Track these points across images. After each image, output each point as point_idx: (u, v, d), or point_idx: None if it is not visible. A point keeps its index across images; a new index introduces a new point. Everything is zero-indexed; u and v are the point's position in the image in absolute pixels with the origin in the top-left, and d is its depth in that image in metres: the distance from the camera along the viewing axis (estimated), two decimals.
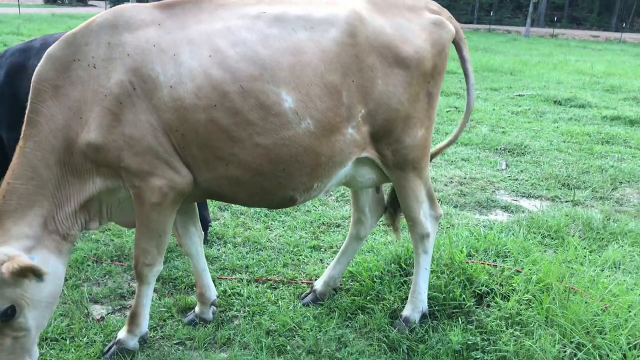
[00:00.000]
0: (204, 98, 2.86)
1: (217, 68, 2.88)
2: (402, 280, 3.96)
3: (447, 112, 9.74)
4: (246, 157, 2.97)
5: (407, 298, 3.70)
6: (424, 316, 3.63)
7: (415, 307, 3.63)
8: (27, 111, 2.95)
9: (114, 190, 3.06)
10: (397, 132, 3.22)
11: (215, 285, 4.04)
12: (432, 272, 3.82)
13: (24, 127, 2.94)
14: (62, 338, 3.41)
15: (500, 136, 8.11)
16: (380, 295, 3.87)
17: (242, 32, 2.96)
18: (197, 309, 3.67)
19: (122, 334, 3.32)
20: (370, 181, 3.49)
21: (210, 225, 4.84)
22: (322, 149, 3.04)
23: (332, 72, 2.99)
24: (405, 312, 3.63)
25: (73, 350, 3.28)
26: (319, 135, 3.01)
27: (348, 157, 3.18)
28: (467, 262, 3.96)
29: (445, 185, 6.21)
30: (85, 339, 3.41)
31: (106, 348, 3.31)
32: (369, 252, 4.55)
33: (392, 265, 4.11)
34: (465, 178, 6.40)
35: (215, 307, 3.72)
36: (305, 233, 4.95)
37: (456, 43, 3.46)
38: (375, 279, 4.00)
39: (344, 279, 4.11)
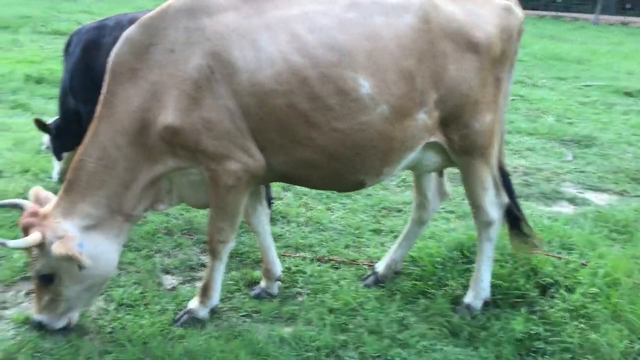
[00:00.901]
0: (284, 83, 2.93)
1: (296, 54, 2.94)
2: (464, 268, 3.96)
3: (511, 100, 9.54)
4: (323, 142, 3.04)
5: (469, 285, 3.71)
6: (486, 304, 3.63)
7: (477, 294, 3.63)
8: (103, 92, 3.09)
9: (186, 172, 3.18)
10: (466, 117, 3.24)
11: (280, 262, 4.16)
12: (496, 260, 3.82)
13: (98, 107, 3.09)
14: (137, 305, 3.59)
15: (566, 127, 7.91)
16: (441, 282, 3.90)
17: (319, 18, 3.01)
18: (263, 283, 3.79)
19: (193, 304, 3.47)
20: (435, 165, 3.53)
21: (273, 203, 4.96)
22: (395, 133, 3.09)
23: (408, 58, 3.03)
24: (467, 299, 3.64)
25: (147, 317, 3.46)
26: (393, 120, 3.06)
27: (418, 142, 3.24)
28: (532, 253, 3.93)
29: (509, 174, 6.12)
30: (157, 306, 3.59)
31: (177, 316, 3.47)
32: (430, 238, 4.56)
33: (455, 252, 4.11)
34: (530, 168, 6.29)
35: (280, 282, 3.83)
36: (367, 216, 5.01)
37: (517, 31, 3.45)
38: (437, 265, 4.02)
39: (405, 264, 4.15)
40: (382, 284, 3.93)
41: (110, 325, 3.38)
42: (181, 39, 2.97)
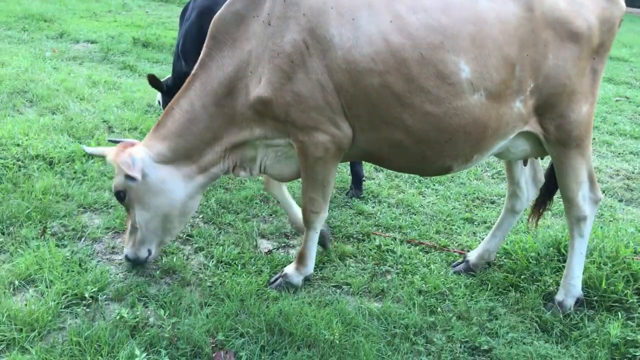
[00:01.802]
0: (381, 63, 2.94)
1: (397, 34, 2.94)
2: (559, 265, 3.89)
3: (616, 101, 9.12)
4: (414, 124, 3.04)
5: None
6: (578, 302, 3.54)
7: (568, 291, 3.54)
8: (202, 53, 3.24)
9: (272, 144, 3.29)
10: (561, 107, 3.18)
11: (370, 240, 4.23)
12: (593, 262, 3.72)
13: (196, 66, 3.25)
14: (235, 263, 3.76)
15: None
16: (534, 276, 3.83)
17: (423, 0, 3.01)
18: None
19: (289, 269, 3.60)
20: (523, 153, 3.47)
21: (364, 181, 5.02)
22: (490, 121, 3.08)
23: (510, 45, 3.00)
24: (559, 296, 3.57)
25: (244, 276, 3.61)
26: (489, 107, 3.04)
27: (512, 131, 3.22)
28: (633, 258, 3.80)
29: (611, 177, 5.90)
30: (254, 267, 3.74)
31: (273, 279, 3.61)
32: (525, 232, 4.50)
33: (550, 248, 4.04)
34: (633, 172, 6.02)
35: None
36: (459, 204, 4.97)
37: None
38: (530, 260, 3.96)
39: (497, 255, 4.11)
40: (472, 273, 3.91)
41: (210, 280, 3.56)
42: (278, 13, 3.03)
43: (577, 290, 3.55)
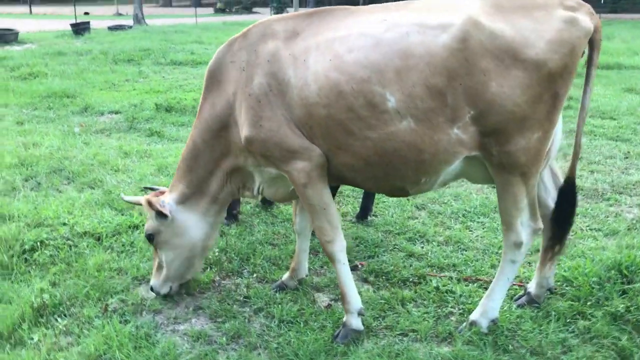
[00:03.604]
0: (324, 97, 3.28)
1: (334, 71, 3.26)
2: (624, 288, 3.81)
3: None
4: (358, 148, 3.33)
5: (631, 306, 3.57)
6: (493, 324, 3.58)
7: (484, 312, 3.59)
8: (200, 99, 3.81)
9: (266, 171, 3.67)
10: (509, 134, 3.18)
11: (426, 282, 4.20)
12: None
13: (198, 109, 3.83)
14: (297, 321, 3.74)
15: None
16: (600, 302, 3.76)
17: (360, 39, 3.28)
18: (285, 277, 4.21)
19: (346, 317, 3.61)
20: (488, 179, 3.50)
21: (373, 216, 5.26)
22: (424, 145, 3.23)
23: (437, 76, 3.12)
24: (474, 316, 3.64)
25: (309, 333, 3.58)
26: (421, 132, 3.21)
27: (453, 156, 3.29)
28: None
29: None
30: (316, 323, 3.71)
31: (336, 332, 3.58)
32: (579, 256, 4.43)
33: (612, 271, 3.96)
34: None
35: (303, 279, 4.22)
36: None
37: (591, 42, 3.23)
38: (593, 285, 3.89)
39: (557, 283, 4.05)
40: (536, 304, 3.85)
41: (276, 341, 3.54)
42: (251, 60, 3.50)
43: (494, 313, 3.59)
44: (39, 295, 3.87)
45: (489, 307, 3.59)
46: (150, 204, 3.82)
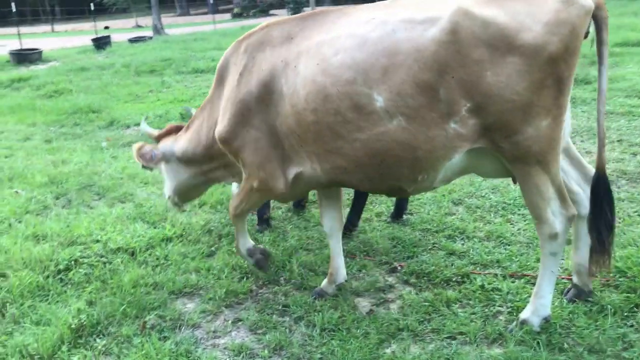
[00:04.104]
0: (312, 102, 3.29)
1: (321, 75, 3.27)
2: None
3: None
4: (349, 151, 3.32)
5: None
6: (546, 322, 3.40)
7: (535, 310, 3.42)
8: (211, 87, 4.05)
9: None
10: (515, 123, 3.03)
11: (470, 281, 4.03)
12: None
13: (208, 95, 4.10)
14: (339, 329, 3.62)
15: None
16: None
17: (347, 40, 3.26)
18: (323, 283, 4.11)
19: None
20: (499, 172, 3.38)
21: (408, 215, 5.18)
22: (418, 143, 3.16)
23: (427, 71, 3.04)
24: (524, 314, 3.45)
25: (352, 341, 3.46)
26: (414, 130, 3.14)
27: (453, 150, 3.18)
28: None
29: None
30: (359, 330, 3.59)
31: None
32: (630, 245, 4.22)
33: None
34: None
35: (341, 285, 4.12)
36: None
37: (595, 20, 3.07)
38: None
39: (614, 275, 3.85)
40: (587, 297, 3.66)
41: (319, 351, 3.43)
42: (248, 66, 3.61)
43: (545, 310, 3.42)
44: (77, 316, 3.82)
45: (538, 304, 3.42)
46: (139, 155, 4.32)
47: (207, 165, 4.27)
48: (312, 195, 5.75)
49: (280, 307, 3.95)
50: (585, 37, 3.08)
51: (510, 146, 3.11)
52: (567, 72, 3.00)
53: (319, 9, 3.68)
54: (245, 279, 4.32)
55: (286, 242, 4.88)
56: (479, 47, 2.97)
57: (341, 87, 3.20)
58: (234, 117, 3.63)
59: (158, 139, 4.52)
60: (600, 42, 3.15)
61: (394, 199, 5.26)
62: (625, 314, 3.50)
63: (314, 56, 3.32)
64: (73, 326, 3.71)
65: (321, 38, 3.36)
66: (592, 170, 3.49)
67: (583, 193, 3.56)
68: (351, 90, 3.19)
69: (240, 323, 3.82)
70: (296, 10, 38.98)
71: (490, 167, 3.36)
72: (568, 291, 3.78)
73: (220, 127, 3.74)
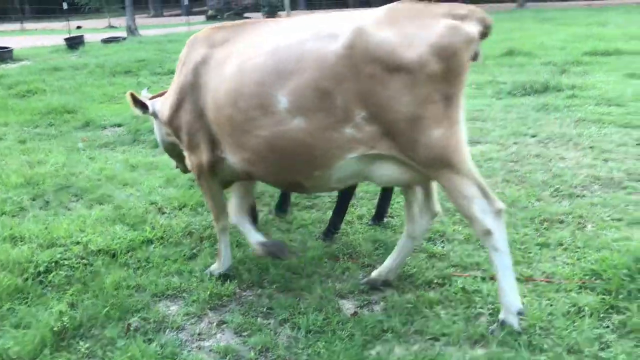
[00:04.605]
0: (228, 98, 3.69)
1: (238, 75, 3.65)
2: None
3: None
4: (254, 146, 3.69)
5: None
6: (520, 315, 3.52)
7: (507, 308, 3.52)
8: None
9: None
10: (408, 133, 3.35)
11: (451, 283, 4.11)
12: None
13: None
14: (324, 331, 3.65)
15: None
16: (632, 294, 3.69)
17: (265, 46, 3.63)
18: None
19: (213, 266, 4.41)
20: (395, 178, 3.63)
21: (389, 218, 5.23)
22: (315, 143, 3.49)
23: (326, 80, 3.37)
24: (501, 315, 3.55)
25: (338, 343, 3.50)
26: (312, 131, 3.47)
27: (347, 152, 3.50)
28: None
29: None
30: (344, 332, 3.63)
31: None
32: (603, 249, 4.35)
33: None
34: None
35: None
36: (529, 230, 4.84)
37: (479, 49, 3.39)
38: (623, 277, 3.81)
39: (587, 277, 3.97)
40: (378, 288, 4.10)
41: (306, 353, 3.46)
42: (192, 60, 3.99)
43: (515, 305, 3.51)
44: (59, 319, 3.78)
45: (506, 302, 3.52)
46: (134, 98, 4.51)
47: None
48: (295, 198, 5.79)
49: (264, 310, 3.97)
50: (473, 60, 3.39)
51: (413, 153, 3.40)
52: (452, 90, 3.33)
53: (255, 19, 4.14)
54: (228, 281, 4.32)
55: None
56: (372, 63, 3.29)
57: (251, 87, 3.57)
58: (175, 101, 4.10)
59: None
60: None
61: (375, 201, 5.33)
62: (602, 315, 3.61)
63: (237, 58, 3.71)
64: (55, 329, 3.68)
65: (246, 43, 3.76)
66: (436, 208, 3.93)
67: (418, 221, 4.00)
68: (259, 91, 3.54)
69: (224, 325, 3.83)
70: (271, 13, 38.96)
71: (386, 173, 3.61)
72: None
73: (165, 108, 4.25)
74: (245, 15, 44.95)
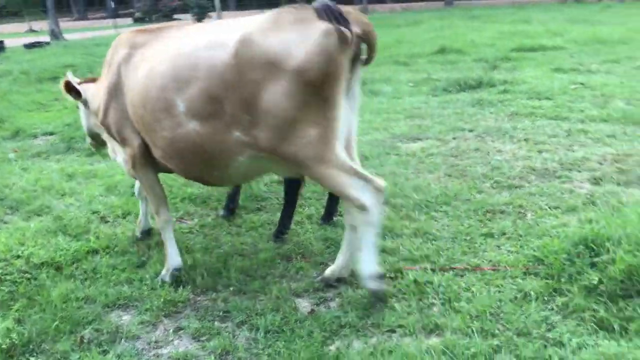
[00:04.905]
0: (139, 100, 3.96)
1: (147, 79, 3.91)
2: (593, 261, 3.95)
3: (573, 89, 9.47)
4: (161, 145, 4.01)
5: (605, 278, 3.70)
6: (380, 277, 3.87)
7: (368, 277, 3.83)
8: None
9: None
10: (288, 135, 3.55)
11: (403, 276, 4.21)
12: (629, 252, 3.78)
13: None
14: (283, 330, 3.67)
15: (639, 109, 7.82)
16: (573, 277, 3.89)
17: (171, 52, 3.87)
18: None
19: (164, 271, 4.40)
20: (295, 172, 4.02)
21: (339, 216, 5.27)
22: (209, 145, 3.78)
23: (216, 86, 3.60)
24: (366, 283, 3.88)
25: (297, 341, 3.53)
26: (205, 134, 3.75)
27: (238, 154, 3.77)
28: None
29: (600, 163, 6.09)
30: (303, 330, 3.66)
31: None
32: (544, 236, 4.57)
33: (579, 246, 4.09)
34: (618, 155, 6.24)
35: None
36: (473, 221, 5.02)
37: (367, 43, 3.65)
38: (564, 261, 4.02)
39: (530, 263, 4.16)
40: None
41: (266, 352, 3.47)
42: (115, 60, 4.23)
43: (373, 271, 3.81)
44: (6, 335, 3.63)
45: (364, 270, 3.84)
46: (67, 83, 4.64)
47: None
48: (243, 200, 5.77)
49: (221, 313, 3.94)
50: (367, 63, 3.71)
51: (293, 153, 3.61)
52: (329, 92, 3.52)
53: (171, 23, 4.44)
54: (182, 287, 4.27)
55: (220, 249, 4.87)
56: (256, 70, 3.48)
57: (158, 91, 3.82)
58: (104, 101, 4.28)
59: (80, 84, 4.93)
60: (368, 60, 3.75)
61: (323, 201, 5.39)
62: (546, 298, 3.79)
63: (149, 62, 3.95)
64: (4, 346, 3.53)
65: (159, 47, 3.99)
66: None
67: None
68: (163, 95, 3.79)
69: (181, 332, 3.78)
70: (200, 14, 38.44)
71: (285, 168, 3.93)
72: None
73: (96, 106, 4.49)
74: (175, 17, 44.19)
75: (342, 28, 3.44)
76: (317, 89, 3.47)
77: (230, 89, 3.55)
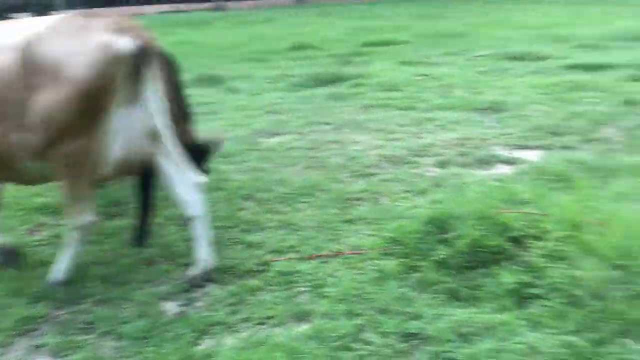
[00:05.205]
0: None
1: None
2: (441, 237, 4.27)
3: (418, 80, 10.14)
4: None
5: (453, 252, 4.03)
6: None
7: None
8: None
9: None
10: (59, 141, 3.69)
11: (270, 268, 4.29)
12: (472, 226, 4.14)
13: None
14: (151, 335, 3.58)
15: (476, 96, 8.56)
16: (425, 254, 4.19)
17: None
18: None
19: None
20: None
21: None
22: (3, 147, 3.78)
23: (5, 88, 3.66)
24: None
25: (166, 344, 3.46)
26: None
27: (22, 157, 3.83)
28: (498, 212, 4.31)
29: (445, 149, 6.59)
30: (171, 333, 3.60)
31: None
32: (399, 218, 4.87)
33: (429, 225, 4.41)
34: (460, 139, 6.79)
35: None
36: (333, 210, 5.21)
37: (140, 62, 3.73)
38: (417, 241, 4.31)
39: (388, 244, 4.42)
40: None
41: (136, 358, 3.37)
42: None
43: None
44: None
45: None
46: None
47: None
48: (98, 207, 5.51)
49: (83, 325, 3.75)
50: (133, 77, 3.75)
51: (60, 159, 3.74)
52: (102, 103, 3.66)
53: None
54: (37, 303, 4.00)
55: (78, 259, 4.62)
56: (37, 76, 3.57)
57: None
58: None
59: None
60: (138, 78, 3.78)
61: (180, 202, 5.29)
62: (403, 276, 4.04)
63: None
64: None
65: None
66: (198, 179, 4.14)
67: (191, 198, 4.14)
68: None
69: (42, 349, 3.55)
70: (40, 13, 35.83)
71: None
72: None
73: None
74: (12, 15, 40.78)
75: (121, 41, 3.59)
76: (90, 100, 3.59)
77: (15, 92, 3.61)
